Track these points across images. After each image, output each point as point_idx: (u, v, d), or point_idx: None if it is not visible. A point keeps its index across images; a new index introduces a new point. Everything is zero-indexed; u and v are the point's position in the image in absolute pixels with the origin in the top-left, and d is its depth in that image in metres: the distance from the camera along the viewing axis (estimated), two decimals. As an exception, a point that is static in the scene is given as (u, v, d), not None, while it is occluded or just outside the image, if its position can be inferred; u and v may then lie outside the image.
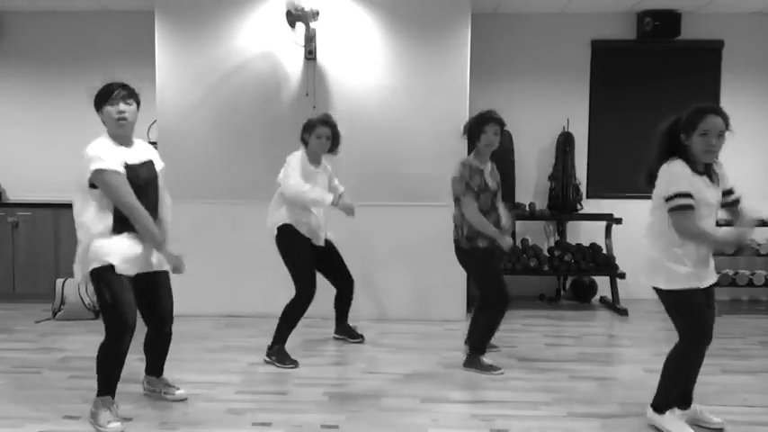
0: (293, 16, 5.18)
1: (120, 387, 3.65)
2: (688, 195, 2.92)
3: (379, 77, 5.50)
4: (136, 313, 3.20)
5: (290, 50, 5.45)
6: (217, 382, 3.85)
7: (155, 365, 3.63)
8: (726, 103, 6.48)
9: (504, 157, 6.42)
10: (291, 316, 4.28)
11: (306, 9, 5.21)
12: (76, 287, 5.46)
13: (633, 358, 4.46)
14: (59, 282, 5.52)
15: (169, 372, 4.10)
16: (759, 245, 6.02)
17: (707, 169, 3.06)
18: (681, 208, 2.92)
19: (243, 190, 5.54)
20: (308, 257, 4.33)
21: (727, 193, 3.16)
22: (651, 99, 6.45)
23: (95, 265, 3.10)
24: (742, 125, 6.41)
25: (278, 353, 4.25)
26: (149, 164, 3.34)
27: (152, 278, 3.34)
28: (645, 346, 4.72)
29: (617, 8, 6.28)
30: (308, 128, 4.38)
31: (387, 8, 5.46)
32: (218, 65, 5.53)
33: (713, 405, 3.55)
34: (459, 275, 5.53)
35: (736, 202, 3.18)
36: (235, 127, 5.55)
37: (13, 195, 6.46)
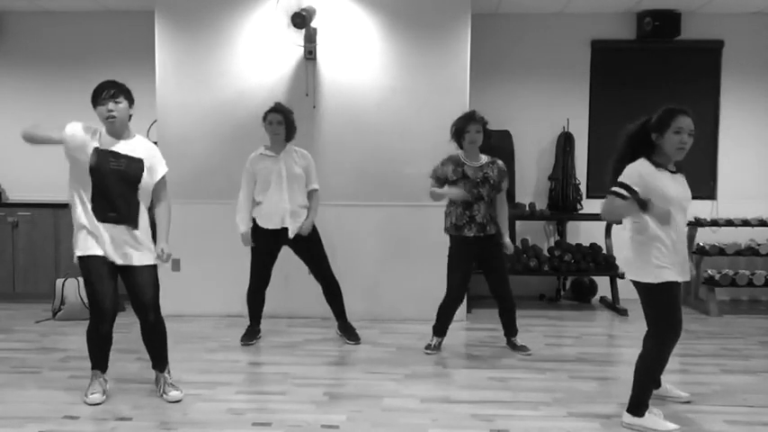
0: (301, 17, 5.15)
1: (120, 386, 3.67)
2: (626, 187, 3.08)
3: (378, 77, 5.50)
4: (113, 302, 3.45)
5: (290, 50, 5.45)
6: (217, 382, 3.85)
7: (152, 358, 3.66)
8: (726, 103, 6.50)
9: (504, 158, 6.44)
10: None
11: (310, 9, 5.20)
12: (76, 287, 5.46)
13: (633, 358, 4.41)
14: (59, 282, 5.52)
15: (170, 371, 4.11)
16: (759, 245, 6.02)
17: (678, 170, 3.24)
18: (612, 193, 3.12)
19: (243, 190, 5.54)
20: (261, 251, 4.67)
21: None
22: (651, 99, 6.40)
23: (78, 253, 3.43)
24: (742, 125, 6.51)
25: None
26: (131, 160, 3.43)
27: (132, 270, 3.47)
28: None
29: (617, 8, 6.28)
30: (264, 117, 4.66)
31: (387, 8, 5.46)
32: (218, 65, 5.53)
33: (713, 405, 3.55)
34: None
35: None
36: (234, 127, 5.54)
37: (13, 195, 6.47)
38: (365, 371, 4.14)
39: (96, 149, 3.37)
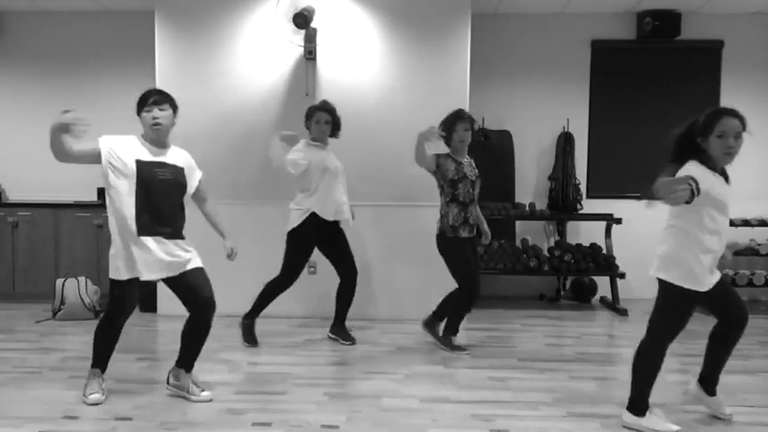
0: (303, 17, 5.15)
1: (120, 387, 3.66)
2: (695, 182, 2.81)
3: (378, 77, 5.50)
4: (133, 309, 3.53)
5: (289, 50, 5.45)
6: (217, 382, 3.85)
7: (187, 355, 3.63)
8: (726, 103, 6.43)
9: (504, 158, 6.45)
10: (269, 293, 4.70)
11: (310, 9, 5.20)
12: (76, 287, 5.46)
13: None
14: (59, 282, 5.52)
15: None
16: (759, 245, 6.02)
17: (723, 172, 3.08)
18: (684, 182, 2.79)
19: (243, 190, 5.55)
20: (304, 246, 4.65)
21: None
22: (651, 99, 6.46)
23: (113, 276, 3.39)
24: (742, 125, 6.49)
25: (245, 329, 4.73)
26: (173, 168, 3.44)
27: (185, 275, 3.45)
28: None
29: (617, 8, 6.28)
30: (308, 115, 4.67)
31: (386, 8, 5.46)
32: (219, 65, 5.54)
33: (713, 405, 3.55)
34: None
35: None
36: (234, 127, 5.55)
37: (13, 195, 6.47)
38: (365, 371, 4.14)
39: (138, 161, 3.31)
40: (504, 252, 6.12)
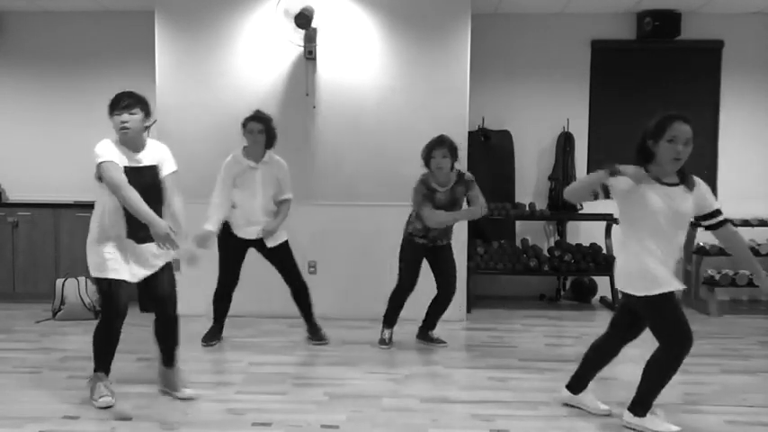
0: (305, 18, 5.14)
1: (120, 387, 3.66)
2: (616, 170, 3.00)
3: (378, 77, 5.50)
4: (126, 308, 3.47)
5: (289, 50, 5.45)
6: (217, 382, 3.85)
7: (163, 350, 3.65)
8: (726, 103, 6.50)
9: (504, 158, 6.45)
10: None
11: (310, 9, 5.20)
12: (76, 287, 5.46)
13: (633, 358, 4.43)
14: (59, 282, 5.52)
15: (169, 372, 4.10)
16: (759, 245, 6.02)
17: (682, 178, 3.07)
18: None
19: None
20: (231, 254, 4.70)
21: (712, 215, 3.14)
22: (651, 99, 6.45)
23: (96, 274, 3.44)
24: (742, 125, 6.50)
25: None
26: (152, 169, 3.46)
27: (150, 277, 3.52)
28: (645, 347, 4.70)
29: (617, 8, 6.28)
30: (243, 124, 4.57)
31: (386, 8, 5.46)
32: (218, 65, 5.54)
33: (713, 405, 3.56)
34: (459, 275, 5.53)
35: (723, 222, 3.17)
36: (234, 127, 5.51)
37: (13, 195, 6.46)
38: (365, 371, 4.14)
39: (125, 168, 3.35)
40: (504, 252, 6.12)
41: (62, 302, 5.45)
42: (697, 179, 3.14)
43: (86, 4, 6.21)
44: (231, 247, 4.64)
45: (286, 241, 4.68)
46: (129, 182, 3.30)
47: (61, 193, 6.32)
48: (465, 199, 4.55)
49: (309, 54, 5.36)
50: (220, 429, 3.19)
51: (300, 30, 5.25)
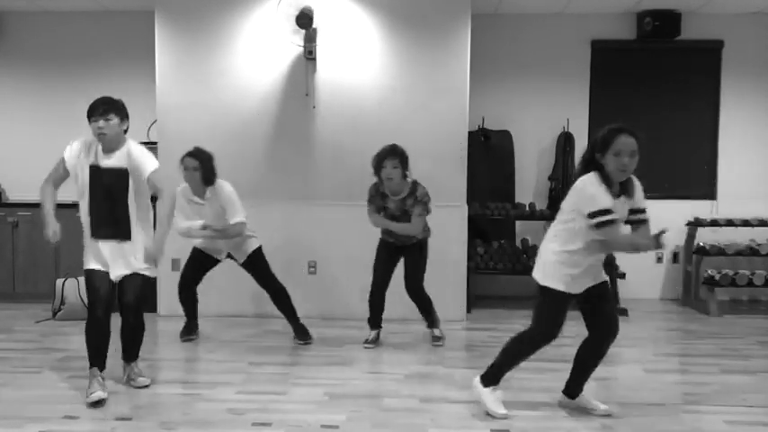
0: (307, 18, 5.14)
1: (120, 387, 3.66)
2: (610, 211, 2.98)
3: (378, 77, 5.50)
4: (108, 292, 3.59)
5: (289, 50, 5.45)
6: (217, 382, 3.85)
7: (124, 349, 3.80)
8: (726, 103, 6.49)
9: (504, 158, 6.45)
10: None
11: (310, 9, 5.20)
12: (76, 287, 5.46)
13: (633, 358, 4.45)
14: (59, 282, 5.52)
15: (170, 371, 4.11)
16: (759, 245, 6.02)
17: (622, 185, 3.11)
18: (608, 223, 2.99)
19: (242, 190, 5.50)
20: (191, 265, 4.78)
21: (637, 211, 3.18)
22: (651, 99, 6.45)
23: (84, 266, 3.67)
24: (742, 125, 6.50)
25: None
26: (117, 171, 3.56)
27: (123, 278, 3.66)
28: (645, 346, 4.72)
29: (617, 8, 6.28)
30: (180, 160, 4.48)
31: (386, 8, 5.46)
32: (218, 65, 5.53)
33: (713, 405, 3.55)
34: (459, 275, 5.54)
35: (643, 221, 3.20)
36: (234, 127, 5.55)
37: (13, 195, 6.46)
38: (365, 371, 4.14)
39: (90, 167, 3.56)
40: (504, 252, 6.12)
41: (62, 302, 5.45)
42: (635, 181, 3.17)
43: (86, 4, 6.21)
44: (205, 256, 4.75)
45: (257, 249, 4.69)
46: (91, 181, 3.54)
47: (61, 193, 6.29)
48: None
49: (309, 54, 5.36)
50: (220, 429, 3.19)
51: (301, 30, 5.25)
